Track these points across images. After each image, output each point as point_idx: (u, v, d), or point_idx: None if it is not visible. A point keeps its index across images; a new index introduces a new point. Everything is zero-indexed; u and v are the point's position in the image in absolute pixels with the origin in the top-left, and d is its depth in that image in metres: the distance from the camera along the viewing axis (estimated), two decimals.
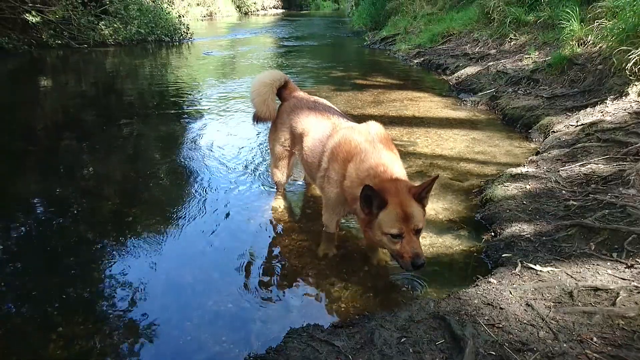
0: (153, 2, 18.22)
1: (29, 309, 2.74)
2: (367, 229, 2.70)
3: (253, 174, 4.67)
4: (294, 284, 2.96)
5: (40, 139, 6.07)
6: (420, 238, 2.68)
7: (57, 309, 2.73)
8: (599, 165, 3.93)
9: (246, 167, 4.86)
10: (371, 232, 2.67)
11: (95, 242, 3.50)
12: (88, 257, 3.30)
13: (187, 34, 17.56)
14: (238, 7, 40.71)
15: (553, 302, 2.41)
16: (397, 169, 2.81)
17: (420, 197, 2.61)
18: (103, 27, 14.68)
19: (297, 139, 3.56)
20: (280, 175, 3.95)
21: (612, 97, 5.29)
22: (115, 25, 14.95)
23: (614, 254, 2.77)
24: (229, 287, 2.90)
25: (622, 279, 2.53)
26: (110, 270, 3.12)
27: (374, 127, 3.09)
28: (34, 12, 12.87)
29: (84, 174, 4.82)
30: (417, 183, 4.19)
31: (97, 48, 14.23)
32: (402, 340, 2.21)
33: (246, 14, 40.93)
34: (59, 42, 13.76)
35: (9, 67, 11.61)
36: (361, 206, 2.64)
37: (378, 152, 2.84)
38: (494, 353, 2.08)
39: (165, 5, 18.35)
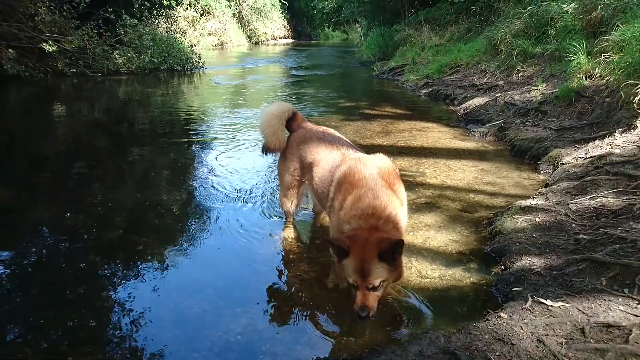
0: (166, 32, 18.69)
1: (38, 338, 2.74)
2: (338, 265, 2.78)
3: (262, 203, 4.70)
4: (302, 316, 2.95)
5: (52, 167, 6.16)
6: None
7: (66, 338, 2.74)
8: (609, 198, 3.93)
9: (255, 196, 4.89)
10: (339, 270, 2.78)
11: (104, 270, 3.53)
12: (97, 286, 3.32)
13: (199, 63, 17.89)
14: (249, 37, 41.48)
15: (565, 339, 2.39)
16: (388, 211, 2.77)
17: (385, 257, 2.56)
18: (117, 56, 15.01)
19: (306, 168, 3.61)
20: (290, 204, 3.99)
21: (620, 129, 5.31)
22: (129, 54, 15.29)
23: (626, 290, 2.74)
24: (237, 318, 2.90)
25: (634, 315, 2.51)
26: (119, 300, 3.13)
27: (380, 161, 3.12)
28: (50, 42, 13.21)
29: (94, 202, 4.86)
30: (424, 216, 4.25)
31: (110, 76, 14.53)
32: None
33: (256, 43, 41.66)
34: (74, 70, 14.08)
35: (24, 95, 11.87)
36: (331, 249, 2.75)
37: (376, 190, 2.84)
38: None
39: (178, 35, 18.78)
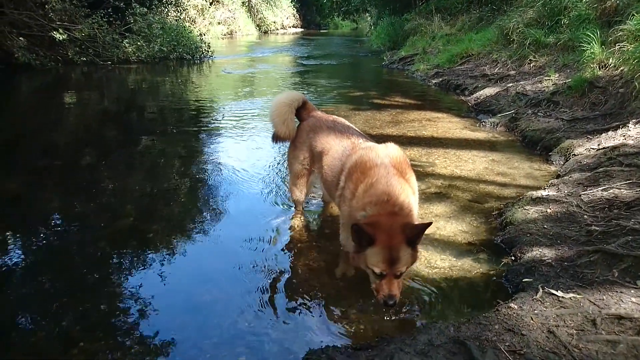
0: (176, 20, 18.66)
1: (50, 324, 2.77)
2: (354, 256, 2.73)
3: (271, 192, 4.70)
4: (312, 304, 2.96)
5: (63, 155, 6.19)
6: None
7: (78, 323, 2.77)
8: (622, 190, 3.88)
9: (264, 185, 4.89)
10: (357, 260, 2.72)
11: (115, 258, 3.55)
12: (108, 273, 3.35)
13: (208, 52, 17.87)
14: (258, 26, 41.31)
15: (576, 330, 2.37)
16: (401, 198, 2.76)
17: (413, 240, 2.58)
18: (127, 44, 15.02)
19: (316, 157, 3.60)
20: (299, 193, 3.99)
21: (634, 120, 5.23)
22: (138, 43, 15.30)
23: (638, 282, 2.72)
24: (247, 307, 2.91)
25: None
26: (129, 287, 3.15)
27: (392, 150, 3.11)
28: (61, 30, 13.23)
29: (105, 190, 4.89)
30: (434, 206, 4.23)
31: (120, 65, 14.56)
32: None
33: (266, 32, 41.48)
34: (84, 59, 14.11)
35: (35, 84, 11.92)
36: (352, 238, 2.67)
37: (388, 178, 2.83)
38: None
39: (187, 24, 18.72)
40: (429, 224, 2.61)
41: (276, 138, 3.85)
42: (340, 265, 3.34)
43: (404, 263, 2.56)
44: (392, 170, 2.89)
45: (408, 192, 2.83)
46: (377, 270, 2.57)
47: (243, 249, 3.64)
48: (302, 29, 49.57)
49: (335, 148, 3.40)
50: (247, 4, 40.03)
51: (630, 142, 4.83)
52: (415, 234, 2.55)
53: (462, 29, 15.14)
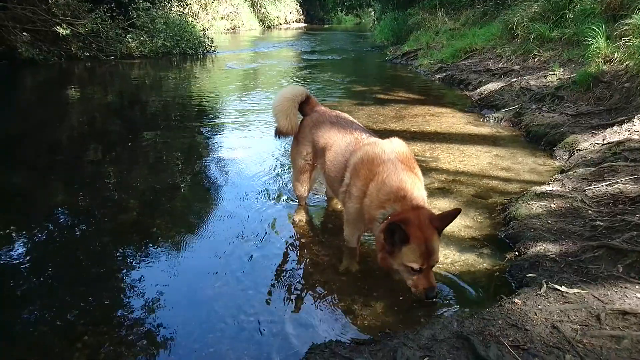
0: (179, 15, 18.65)
1: (55, 317, 2.78)
2: (385, 256, 2.73)
3: (275, 188, 4.70)
4: (315, 299, 2.96)
5: (66, 150, 6.21)
6: (442, 256, 2.69)
7: (82, 318, 2.77)
8: (627, 185, 3.86)
9: (268, 180, 4.89)
10: (390, 261, 2.71)
11: (119, 252, 3.56)
12: (112, 268, 3.36)
13: (211, 47, 17.87)
14: (261, 21, 41.23)
15: (580, 325, 2.37)
16: (416, 192, 2.80)
17: (441, 231, 2.65)
18: (130, 40, 15.04)
19: (319, 153, 3.59)
20: (302, 188, 3.98)
21: (639, 115, 5.20)
22: (141, 38, 15.31)
23: None
24: (250, 301, 2.91)
25: None
26: (133, 281, 3.16)
27: (397, 145, 3.10)
28: (64, 25, 13.25)
29: (108, 185, 4.90)
30: (437, 201, 4.22)
31: (123, 60, 14.57)
32: (425, 359, 2.19)
33: (269, 27, 41.41)
34: (88, 54, 14.14)
35: (38, 79, 11.94)
36: (384, 239, 2.66)
37: (399, 173, 2.84)
38: None
39: (190, 19, 18.71)
40: (459, 210, 2.68)
41: (279, 133, 3.84)
42: (343, 260, 3.34)
43: (438, 252, 2.64)
44: (400, 165, 2.89)
45: (420, 186, 2.87)
46: (415, 267, 2.60)
47: (246, 243, 3.64)
48: (305, 24, 49.43)
49: (339, 143, 3.39)
50: None
51: (636, 137, 4.80)
52: (445, 224, 2.65)
53: (466, 24, 15.06)
